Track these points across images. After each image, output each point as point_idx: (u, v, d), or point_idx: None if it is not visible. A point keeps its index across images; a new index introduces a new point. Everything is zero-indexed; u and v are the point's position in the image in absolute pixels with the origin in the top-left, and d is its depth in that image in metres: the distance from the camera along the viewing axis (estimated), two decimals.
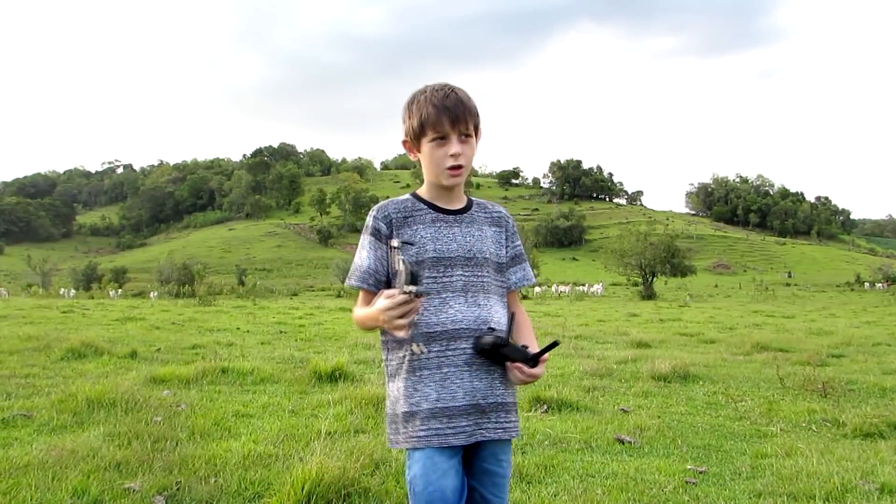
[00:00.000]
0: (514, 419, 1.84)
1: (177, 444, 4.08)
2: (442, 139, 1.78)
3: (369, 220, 1.84)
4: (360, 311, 1.78)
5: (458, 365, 1.75)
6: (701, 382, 6.88)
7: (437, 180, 1.83)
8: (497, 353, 1.74)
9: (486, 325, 1.78)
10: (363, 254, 1.82)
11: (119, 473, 3.49)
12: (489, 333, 1.75)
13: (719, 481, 3.71)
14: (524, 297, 38.92)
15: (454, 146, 1.77)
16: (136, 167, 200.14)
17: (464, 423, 1.74)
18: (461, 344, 1.76)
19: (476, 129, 1.83)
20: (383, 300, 1.62)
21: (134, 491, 3.25)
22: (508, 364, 1.76)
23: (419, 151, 1.83)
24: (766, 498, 3.42)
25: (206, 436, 4.34)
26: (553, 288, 47.84)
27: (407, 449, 1.77)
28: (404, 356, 1.77)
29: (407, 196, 1.88)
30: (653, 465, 3.93)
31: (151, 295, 40.22)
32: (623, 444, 4.41)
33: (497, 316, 1.82)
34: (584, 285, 51.54)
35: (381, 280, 1.80)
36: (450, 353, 1.75)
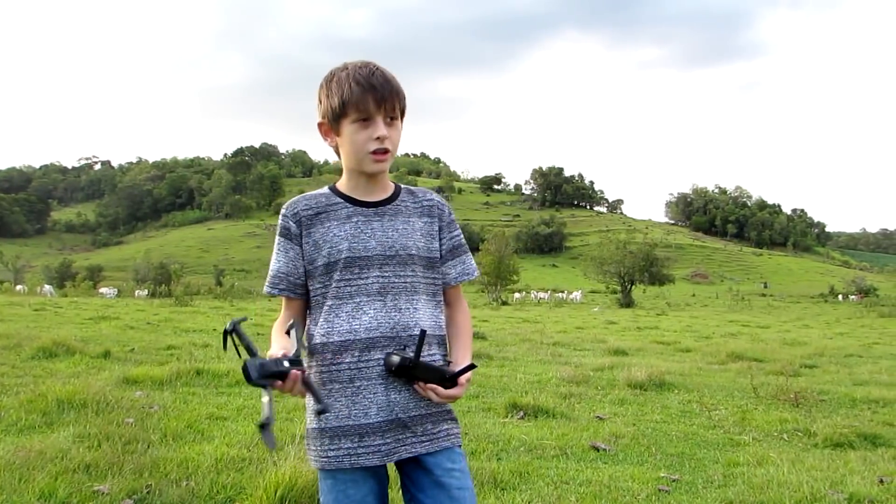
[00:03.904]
0: (447, 427, 1.65)
1: (148, 446, 4.02)
2: (365, 121, 1.59)
3: (280, 219, 1.70)
4: (275, 329, 1.68)
5: (372, 378, 1.58)
6: (676, 391, 6.94)
7: (358, 167, 1.64)
8: (407, 375, 1.57)
9: (406, 331, 1.60)
10: (273, 257, 1.70)
11: (88, 475, 3.43)
12: (397, 353, 1.57)
13: (692, 489, 3.74)
14: (504, 303, 39.00)
15: (380, 128, 1.59)
16: (115, 164, 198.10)
17: (378, 442, 1.58)
18: (375, 354, 1.58)
19: (402, 112, 1.65)
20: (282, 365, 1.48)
21: (103, 494, 3.20)
22: (421, 384, 1.58)
23: (338, 135, 1.64)
24: None
25: (179, 438, 4.28)
26: (532, 294, 48.05)
27: (318, 469, 1.63)
28: (313, 367, 1.63)
29: (324, 189, 1.72)
30: (627, 473, 3.95)
31: (136, 293, 39.53)
32: (598, 451, 4.43)
33: (425, 319, 1.64)
34: (563, 292, 51.76)
35: (295, 282, 1.68)
36: (362, 364, 1.58)
